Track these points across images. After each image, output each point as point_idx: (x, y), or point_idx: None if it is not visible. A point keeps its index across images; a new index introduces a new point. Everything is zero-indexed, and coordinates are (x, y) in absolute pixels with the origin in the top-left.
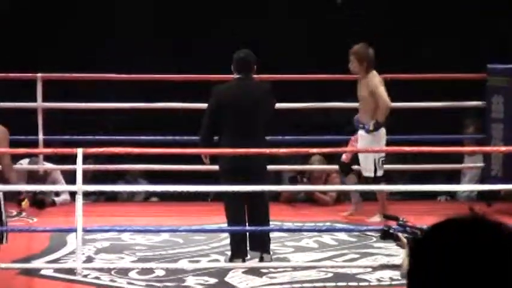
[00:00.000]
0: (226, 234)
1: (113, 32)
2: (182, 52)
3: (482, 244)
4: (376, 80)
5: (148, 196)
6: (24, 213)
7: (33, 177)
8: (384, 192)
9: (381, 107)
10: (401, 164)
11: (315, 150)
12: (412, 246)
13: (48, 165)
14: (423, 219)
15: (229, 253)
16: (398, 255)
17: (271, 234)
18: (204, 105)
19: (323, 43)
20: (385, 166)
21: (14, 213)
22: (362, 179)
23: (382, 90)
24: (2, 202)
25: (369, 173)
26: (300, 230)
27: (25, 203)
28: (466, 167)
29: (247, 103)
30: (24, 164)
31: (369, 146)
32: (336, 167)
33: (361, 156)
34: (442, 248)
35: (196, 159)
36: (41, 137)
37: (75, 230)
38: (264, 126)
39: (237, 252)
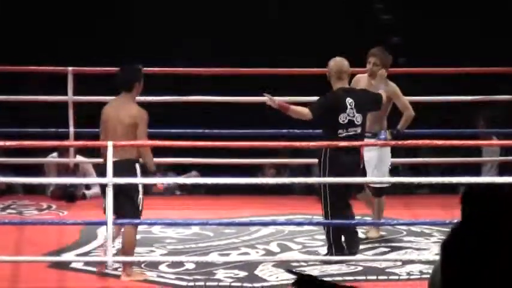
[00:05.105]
0: (256, 228)
1: (141, 25)
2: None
3: None
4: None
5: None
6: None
7: (63, 170)
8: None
9: (406, 114)
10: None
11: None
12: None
13: (79, 159)
14: (454, 213)
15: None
16: (428, 249)
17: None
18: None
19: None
20: (417, 159)
21: (44, 206)
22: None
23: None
24: None
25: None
26: (329, 224)
27: None
28: (504, 160)
29: None
30: (54, 157)
31: (385, 155)
32: None
33: (372, 168)
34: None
35: (224, 152)
36: (71, 130)
37: (105, 223)
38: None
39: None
